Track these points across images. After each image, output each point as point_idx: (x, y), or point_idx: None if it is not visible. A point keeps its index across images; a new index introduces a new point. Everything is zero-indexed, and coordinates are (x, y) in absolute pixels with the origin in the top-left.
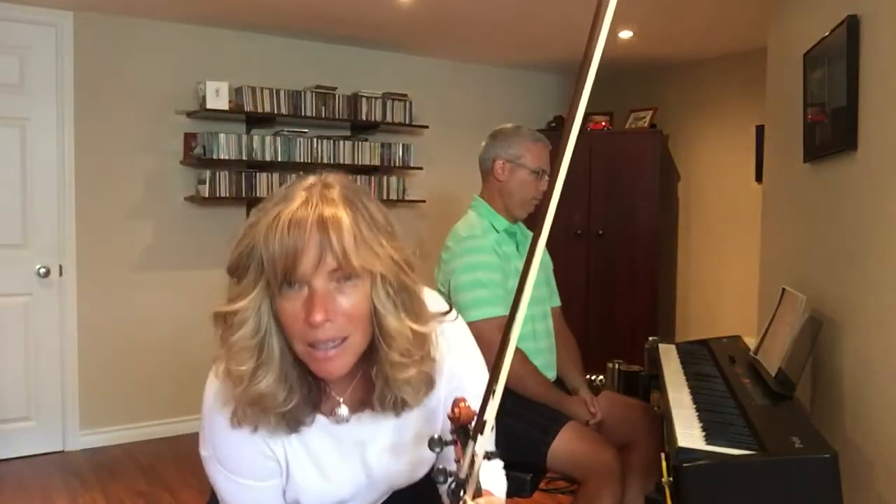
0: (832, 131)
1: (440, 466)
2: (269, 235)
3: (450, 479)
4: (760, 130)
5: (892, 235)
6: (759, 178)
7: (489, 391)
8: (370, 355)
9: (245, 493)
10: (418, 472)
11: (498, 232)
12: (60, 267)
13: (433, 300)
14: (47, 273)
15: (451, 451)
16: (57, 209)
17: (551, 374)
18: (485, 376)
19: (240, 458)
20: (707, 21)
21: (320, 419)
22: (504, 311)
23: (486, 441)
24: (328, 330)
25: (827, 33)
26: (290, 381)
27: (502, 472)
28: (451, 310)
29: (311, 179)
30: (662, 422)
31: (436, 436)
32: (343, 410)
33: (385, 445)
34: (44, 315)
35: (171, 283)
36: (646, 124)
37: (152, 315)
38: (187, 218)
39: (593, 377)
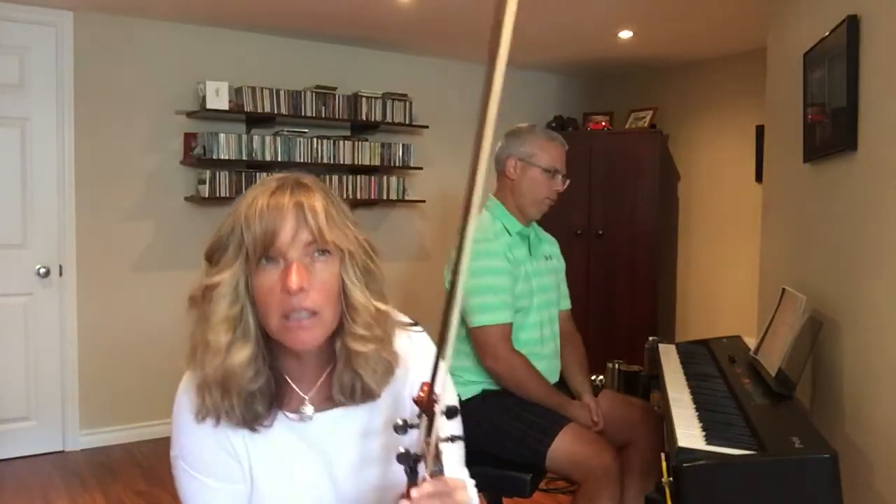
0: (832, 131)
1: (403, 450)
2: (249, 215)
3: (410, 459)
4: (760, 130)
5: (891, 235)
6: (759, 178)
7: (437, 362)
8: (335, 338)
9: (206, 497)
10: (387, 494)
11: (511, 235)
12: (60, 267)
13: (397, 315)
14: (47, 273)
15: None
16: (57, 209)
17: (553, 380)
18: (448, 383)
19: (203, 453)
20: (707, 21)
21: (284, 418)
22: (510, 317)
23: (449, 425)
24: (303, 299)
25: (827, 33)
26: (258, 364)
27: (474, 490)
28: (416, 323)
29: (284, 174)
30: (663, 421)
31: (400, 420)
32: (308, 409)
33: (350, 450)
34: (44, 315)
35: (171, 283)
36: (646, 124)
37: (152, 315)
38: (187, 218)
39: (593, 377)
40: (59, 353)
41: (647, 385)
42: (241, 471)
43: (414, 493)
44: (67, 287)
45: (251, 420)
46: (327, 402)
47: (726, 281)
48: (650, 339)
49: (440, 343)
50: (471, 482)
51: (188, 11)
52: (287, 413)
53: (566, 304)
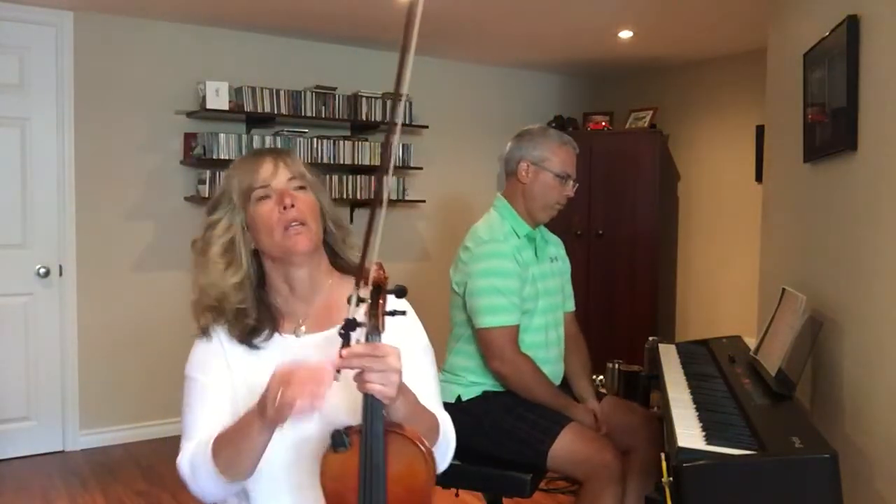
0: (832, 131)
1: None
2: (238, 164)
3: (359, 327)
4: (760, 130)
5: (891, 235)
6: (759, 178)
7: (368, 241)
8: (333, 271)
9: (198, 394)
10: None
11: (519, 237)
12: (60, 267)
13: None
14: (47, 273)
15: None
16: (57, 209)
17: (556, 383)
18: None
19: (204, 355)
20: (707, 21)
21: (279, 337)
22: (517, 319)
23: (394, 302)
24: (294, 212)
25: (827, 33)
26: (246, 290)
27: (451, 425)
28: None
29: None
30: (662, 427)
31: (353, 296)
32: (302, 329)
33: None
34: (44, 315)
35: (171, 283)
36: (646, 124)
37: (152, 315)
38: (187, 218)
39: (593, 377)
40: (59, 353)
41: (647, 385)
42: (230, 378)
43: (344, 351)
44: (67, 287)
45: (245, 333)
46: (321, 328)
47: (726, 281)
48: (650, 339)
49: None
50: (446, 416)
51: (188, 11)
52: (283, 334)
53: (570, 305)
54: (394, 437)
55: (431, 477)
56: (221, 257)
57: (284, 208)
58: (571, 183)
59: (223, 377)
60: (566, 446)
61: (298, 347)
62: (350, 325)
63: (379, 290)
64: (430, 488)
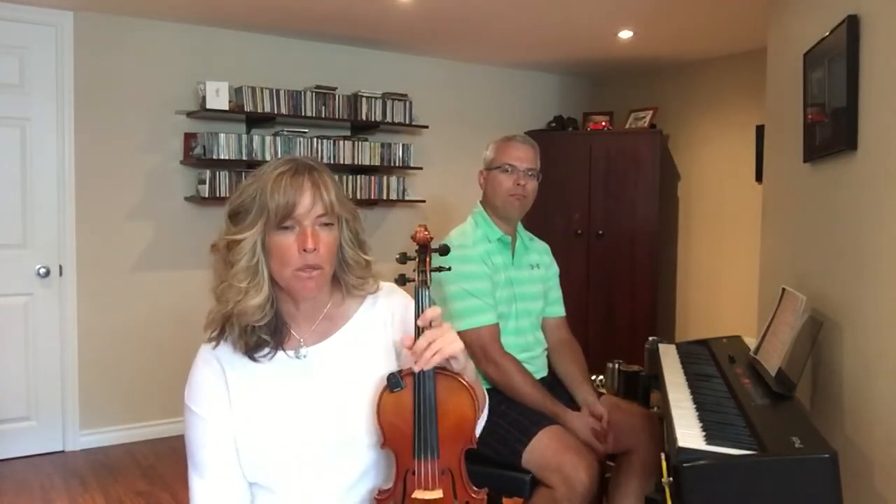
0: (832, 131)
1: (400, 275)
2: (274, 188)
3: (409, 282)
4: (760, 130)
5: (891, 235)
6: (759, 178)
7: None
8: (334, 289)
9: (201, 432)
10: (366, 405)
11: (490, 242)
12: (60, 267)
13: (392, 289)
14: (47, 273)
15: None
16: (57, 209)
17: (540, 375)
18: (411, 301)
19: (202, 381)
20: (707, 21)
21: (283, 355)
22: (494, 318)
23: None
24: (314, 257)
25: (827, 33)
26: (266, 309)
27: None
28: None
29: (292, 157)
30: (662, 427)
31: (398, 254)
32: (304, 350)
33: (337, 370)
34: (44, 315)
35: (171, 283)
36: (646, 124)
37: (152, 315)
38: (187, 218)
39: (593, 377)
40: (59, 353)
41: (647, 385)
42: (227, 407)
43: (423, 314)
44: (67, 287)
45: (253, 346)
46: (319, 339)
47: (726, 281)
48: (650, 339)
49: None
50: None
51: (188, 11)
52: (286, 350)
53: (558, 311)
54: (441, 377)
55: (475, 409)
56: (244, 278)
57: (305, 250)
58: (521, 173)
59: (222, 409)
60: (538, 450)
61: (299, 368)
62: (406, 279)
63: (425, 249)
64: (475, 419)
